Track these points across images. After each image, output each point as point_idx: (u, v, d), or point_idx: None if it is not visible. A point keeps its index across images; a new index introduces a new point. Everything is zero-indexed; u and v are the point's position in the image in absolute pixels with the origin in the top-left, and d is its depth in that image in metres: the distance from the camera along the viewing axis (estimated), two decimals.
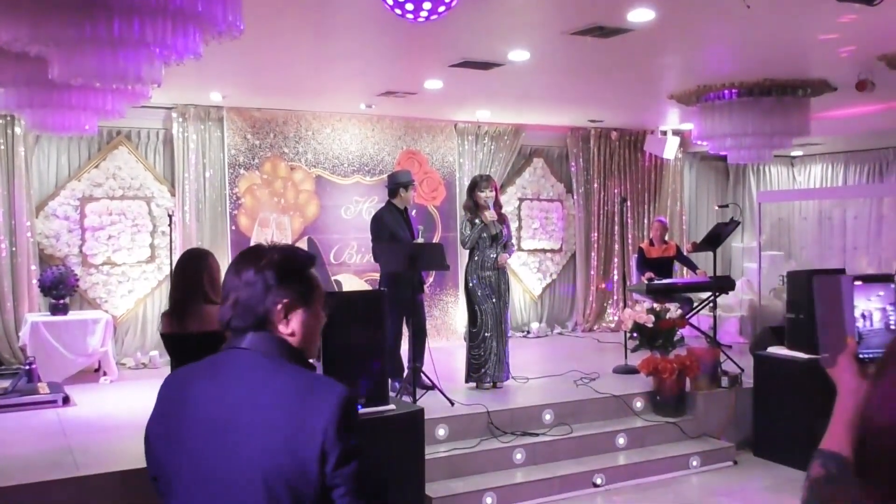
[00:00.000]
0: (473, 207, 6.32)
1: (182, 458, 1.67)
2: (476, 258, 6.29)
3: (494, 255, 6.27)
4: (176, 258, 5.68)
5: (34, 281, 7.41)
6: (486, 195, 6.26)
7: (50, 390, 6.22)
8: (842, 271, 6.41)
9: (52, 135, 7.10)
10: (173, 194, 8.09)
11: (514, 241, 6.78)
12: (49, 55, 4.05)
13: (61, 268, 7.35)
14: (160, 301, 7.88)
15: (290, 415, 1.58)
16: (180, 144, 8.05)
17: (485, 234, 6.25)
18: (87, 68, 3.93)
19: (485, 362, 6.27)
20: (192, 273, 3.98)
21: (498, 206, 6.41)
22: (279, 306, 1.68)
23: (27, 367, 6.40)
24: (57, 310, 7.14)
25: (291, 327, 1.70)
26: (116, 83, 4.17)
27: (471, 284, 6.30)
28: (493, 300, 6.27)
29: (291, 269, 1.72)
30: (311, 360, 1.78)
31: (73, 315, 7.24)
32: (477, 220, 6.26)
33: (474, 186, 6.36)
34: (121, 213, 7.92)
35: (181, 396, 1.71)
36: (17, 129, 7.36)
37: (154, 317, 7.88)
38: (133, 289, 7.99)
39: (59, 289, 7.18)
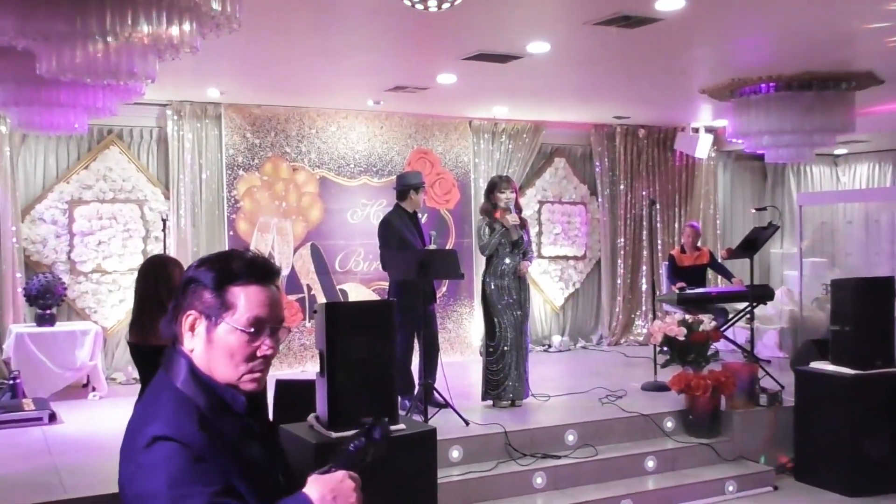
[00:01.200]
0: (492, 211, 6.33)
1: None
2: (494, 266, 6.29)
3: (514, 263, 6.28)
4: None
5: (19, 290, 7.47)
6: (506, 197, 6.27)
7: (35, 406, 6.28)
8: (891, 280, 6.36)
9: (40, 134, 7.17)
10: (167, 197, 8.15)
11: (533, 247, 6.78)
12: (37, 50, 4.10)
13: (48, 275, 7.42)
14: None
15: (125, 448, 1.60)
16: (175, 144, 8.11)
17: (505, 240, 6.26)
18: (78, 63, 3.98)
19: (503, 378, 6.27)
20: (148, 283, 4.00)
21: (518, 209, 6.41)
22: (184, 316, 1.65)
23: (11, 382, 6.47)
24: (43, 320, 7.20)
25: (193, 343, 1.64)
26: (108, 79, 4.22)
27: (488, 294, 6.30)
28: (513, 311, 6.26)
29: (214, 277, 1.64)
30: (232, 390, 1.65)
31: (60, 326, 7.29)
32: (496, 225, 6.27)
33: (493, 188, 6.37)
34: (112, 217, 7.98)
35: None
36: (3, 128, 7.44)
37: None
38: (124, 298, 8.02)
39: (46, 298, 7.24)
